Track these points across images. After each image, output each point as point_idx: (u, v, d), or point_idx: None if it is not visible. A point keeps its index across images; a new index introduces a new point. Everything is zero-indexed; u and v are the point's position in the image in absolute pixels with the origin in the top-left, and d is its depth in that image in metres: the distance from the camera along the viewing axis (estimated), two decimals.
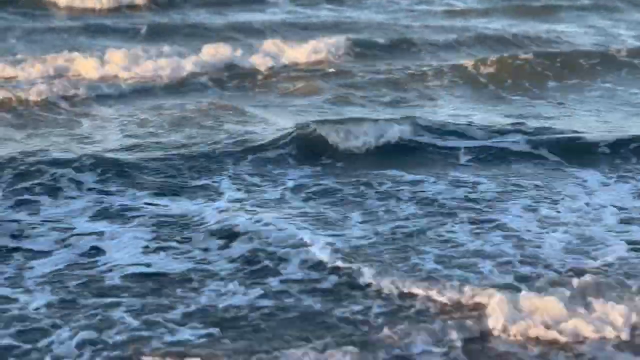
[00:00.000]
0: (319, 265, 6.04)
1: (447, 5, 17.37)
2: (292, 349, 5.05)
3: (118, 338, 5.15)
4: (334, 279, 5.88)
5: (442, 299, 5.60)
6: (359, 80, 11.53)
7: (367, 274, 5.84)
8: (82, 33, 14.70)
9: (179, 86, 11.24)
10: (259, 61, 12.33)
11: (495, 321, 5.32)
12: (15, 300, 5.58)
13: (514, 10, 16.85)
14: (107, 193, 7.37)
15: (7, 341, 5.11)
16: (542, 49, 13.33)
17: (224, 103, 10.35)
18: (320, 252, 6.18)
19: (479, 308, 5.48)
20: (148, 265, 6.08)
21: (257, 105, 10.37)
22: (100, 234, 6.57)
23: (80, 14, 16.87)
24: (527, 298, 5.48)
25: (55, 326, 5.25)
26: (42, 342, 5.10)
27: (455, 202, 7.31)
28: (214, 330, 5.27)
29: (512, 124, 9.38)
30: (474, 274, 5.96)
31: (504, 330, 5.29)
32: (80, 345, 5.06)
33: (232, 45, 12.93)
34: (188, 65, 11.95)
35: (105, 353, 5.00)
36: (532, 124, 9.49)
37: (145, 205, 7.11)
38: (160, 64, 11.95)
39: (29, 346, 5.07)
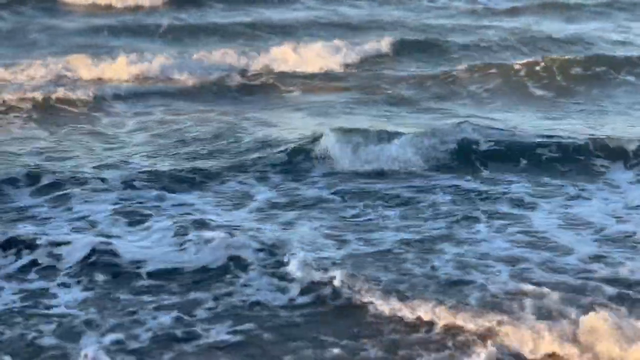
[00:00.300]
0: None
1: (473, 2, 17.22)
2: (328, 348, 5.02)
3: (150, 336, 5.12)
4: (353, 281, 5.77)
5: (459, 321, 5.25)
6: (396, 81, 11.38)
7: (383, 285, 5.69)
8: (102, 32, 14.68)
9: (204, 88, 11.07)
10: (289, 62, 12.18)
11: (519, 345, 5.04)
12: (49, 295, 5.60)
13: (538, 9, 16.70)
14: (135, 189, 7.35)
15: (45, 340, 5.11)
16: (579, 49, 13.17)
17: (250, 105, 10.29)
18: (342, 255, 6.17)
19: (499, 334, 5.14)
20: (176, 262, 6.05)
21: (286, 107, 10.30)
22: (128, 232, 6.55)
23: (100, 11, 16.86)
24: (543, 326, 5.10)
25: (88, 324, 5.23)
26: (74, 341, 5.07)
27: (483, 203, 7.24)
28: (247, 328, 5.23)
29: (548, 124, 9.31)
30: (494, 283, 5.71)
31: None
32: (113, 343, 5.04)
33: (259, 45, 12.81)
34: (211, 66, 11.86)
35: (138, 353, 4.98)
36: (568, 124, 9.42)
37: (172, 205, 7.09)
38: (180, 65, 11.85)
39: (63, 344, 5.05)
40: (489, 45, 13.50)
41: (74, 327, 5.21)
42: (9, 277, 5.81)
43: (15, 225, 6.57)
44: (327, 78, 11.58)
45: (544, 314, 5.25)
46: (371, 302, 5.48)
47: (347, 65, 12.18)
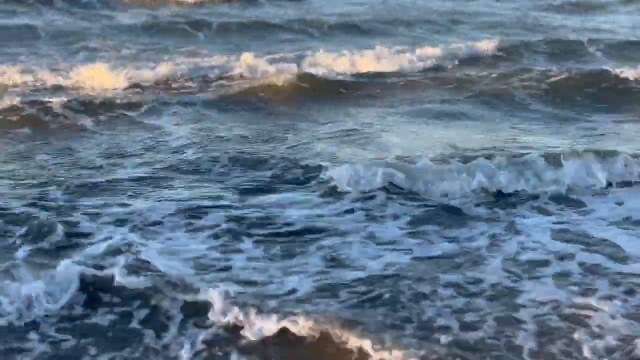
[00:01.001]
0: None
1: None
2: None
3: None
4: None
5: None
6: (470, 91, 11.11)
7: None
8: (156, 29, 14.77)
9: (261, 90, 10.90)
10: (360, 67, 12.12)
11: None
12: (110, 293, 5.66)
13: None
14: (187, 188, 7.39)
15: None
16: None
17: (309, 108, 10.27)
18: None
19: None
20: (234, 263, 6.08)
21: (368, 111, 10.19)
22: (188, 230, 6.57)
23: (156, 5, 16.95)
24: None
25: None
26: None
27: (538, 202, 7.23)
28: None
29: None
30: (530, 288, 5.58)
31: None
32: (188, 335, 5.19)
33: (341, 47, 12.72)
34: (267, 66, 11.87)
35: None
36: None
37: (229, 207, 7.04)
38: (235, 67, 11.87)
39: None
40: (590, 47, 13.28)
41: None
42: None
43: (74, 218, 6.66)
44: (399, 79, 11.42)
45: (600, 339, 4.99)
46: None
47: (418, 68, 12.13)
